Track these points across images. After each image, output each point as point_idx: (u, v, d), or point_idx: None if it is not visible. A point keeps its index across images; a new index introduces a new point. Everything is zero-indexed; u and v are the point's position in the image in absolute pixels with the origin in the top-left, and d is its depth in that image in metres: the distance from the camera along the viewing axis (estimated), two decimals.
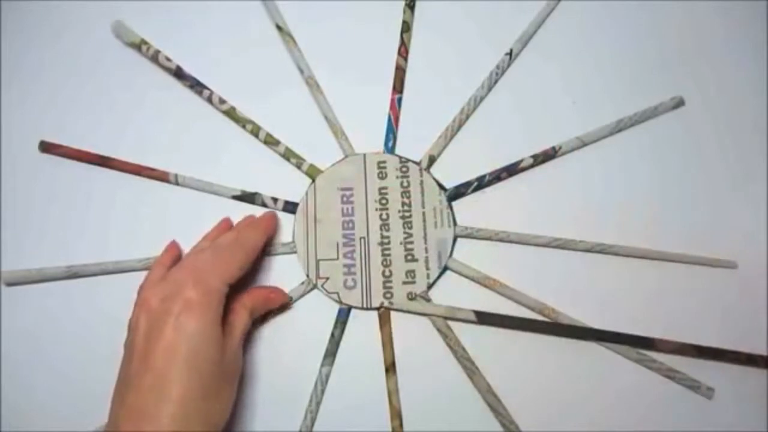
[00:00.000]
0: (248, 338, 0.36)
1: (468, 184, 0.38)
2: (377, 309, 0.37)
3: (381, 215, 0.38)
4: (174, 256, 0.36)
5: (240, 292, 0.34)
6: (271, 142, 0.39)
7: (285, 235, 0.38)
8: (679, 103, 0.40)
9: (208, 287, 0.31)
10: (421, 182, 0.38)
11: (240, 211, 0.38)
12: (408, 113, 0.40)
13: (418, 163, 0.39)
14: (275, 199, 0.38)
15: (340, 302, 0.37)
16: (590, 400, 0.35)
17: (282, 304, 0.36)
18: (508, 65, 0.41)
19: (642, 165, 0.39)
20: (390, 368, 0.35)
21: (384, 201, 0.38)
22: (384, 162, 0.39)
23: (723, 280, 0.37)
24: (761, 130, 0.40)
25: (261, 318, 0.36)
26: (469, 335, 0.36)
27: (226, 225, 0.38)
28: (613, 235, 0.37)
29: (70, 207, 0.39)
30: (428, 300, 0.37)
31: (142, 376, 0.29)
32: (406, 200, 0.38)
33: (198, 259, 0.33)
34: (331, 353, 0.36)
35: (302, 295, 0.37)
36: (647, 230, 0.38)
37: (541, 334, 0.36)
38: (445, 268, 0.37)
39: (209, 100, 0.40)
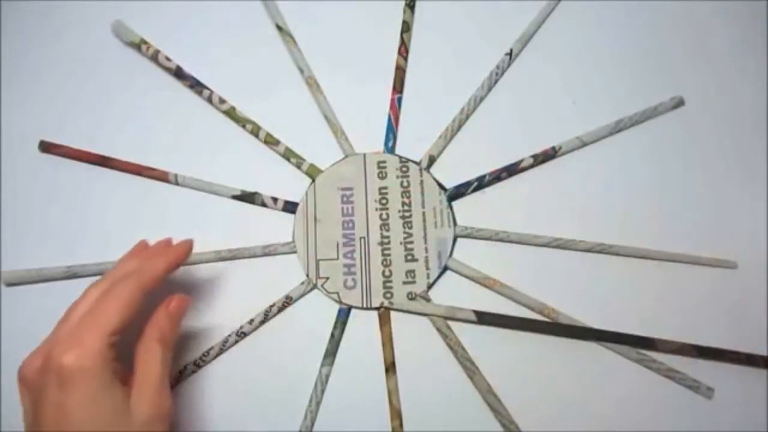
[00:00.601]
0: (248, 338, 0.36)
1: (468, 184, 0.38)
2: (377, 309, 0.37)
3: (381, 215, 0.38)
4: None
5: (144, 322, 0.30)
6: (271, 142, 0.39)
7: (285, 235, 0.38)
8: (679, 103, 0.40)
9: (85, 348, 0.26)
10: (421, 182, 0.38)
11: (240, 211, 0.38)
12: (408, 113, 0.40)
13: (418, 163, 0.39)
14: (275, 199, 0.38)
15: (340, 302, 0.37)
16: (590, 400, 0.35)
17: (186, 306, 0.32)
18: (508, 65, 0.41)
19: (642, 165, 0.39)
20: (390, 368, 0.35)
21: (384, 201, 0.38)
22: (384, 162, 0.39)
23: (723, 280, 0.37)
24: (761, 130, 0.40)
25: (262, 319, 0.36)
26: (469, 335, 0.36)
27: (140, 248, 0.34)
28: (614, 235, 0.37)
29: (70, 207, 0.39)
30: (428, 300, 0.37)
31: None
32: (406, 200, 0.38)
33: (82, 306, 0.28)
34: (331, 353, 0.36)
35: (302, 295, 0.37)
36: (647, 230, 0.38)
37: (541, 334, 0.36)
38: (445, 268, 0.37)
39: (209, 100, 0.40)
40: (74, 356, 0.26)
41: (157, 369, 0.28)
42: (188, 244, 0.33)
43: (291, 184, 0.39)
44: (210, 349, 0.36)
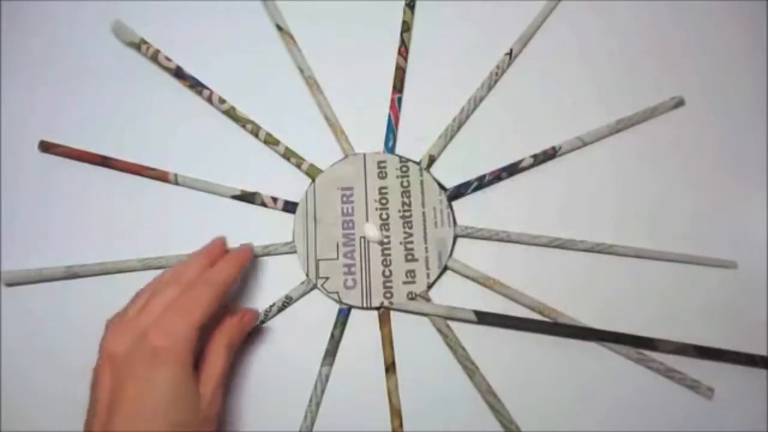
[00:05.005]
0: (248, 339, 0.36)
1: (468, 184, 0.38)
2: (377, 309, 0.37)
3: (381, 215, 0.38)
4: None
5: (213, 327, 0.32)
6: (271, 142, 0.39)
7: (285, 235, 0.38)
8: (679, 103, 0.40)
9: (175, 334, 0.29)
10: (422, 182, 0.38)
11: (240, 211, 0.38)
12: (408, 113, 0.40)
13: (418, 163, 0.39)
14: (275, 199, 0.38)
15: (340, 302, 0.37)
16: (590, 400, 0.35)
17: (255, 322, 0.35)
18: (508, 65, 0.41)
19: (642, 165, 0.39)
20: (390, 368, 0.35)
21: (384, 201, 0.38)
22: (384, 162, 0.39)
23: (723, 280, 0.37)
24: (761, 130, 0.40)
25: (262, 319, 0.36)
26: (469, 335, 0.36)
27: (202, 253, 0.35)
28: (613, 235, 0.37)
29: (70, 207, 0.39)
30: (428, 300, 0.37)
31: None
32: (406, 200, 0.38)
33: (162, 299, 0.30)
34: (331, 353, 0.36)
35: (302, 295, 0.37)
36: (647, 230, 0.38)
37: (541, 334, 0.36)
38: (445, 268, 0.37)
39: (209, 100, 0.40)
40: (167, 338, 0.28)
41: (220, 373, 0.31)
42: (250, 249, 0.36)
43: (291, 184, 0.39)
44: None
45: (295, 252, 0.38)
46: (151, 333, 0.29)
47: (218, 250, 0.35)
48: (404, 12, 0.41)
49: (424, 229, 0.38)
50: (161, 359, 0.28)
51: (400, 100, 0.40)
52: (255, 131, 0.39)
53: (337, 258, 0.37)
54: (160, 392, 0.28)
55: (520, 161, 0.39)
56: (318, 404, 0.35)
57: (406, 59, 0.41)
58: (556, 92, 0.40)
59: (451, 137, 0.39)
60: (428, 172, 0.39)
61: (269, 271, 0.37)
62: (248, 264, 0.35)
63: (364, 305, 0.36)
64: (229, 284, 0.33)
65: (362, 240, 0.37)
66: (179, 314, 0.30)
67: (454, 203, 0.38)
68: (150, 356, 0.28)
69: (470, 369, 0.35)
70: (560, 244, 0.37)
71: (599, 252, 0.37)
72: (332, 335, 0.36)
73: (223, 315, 0.33)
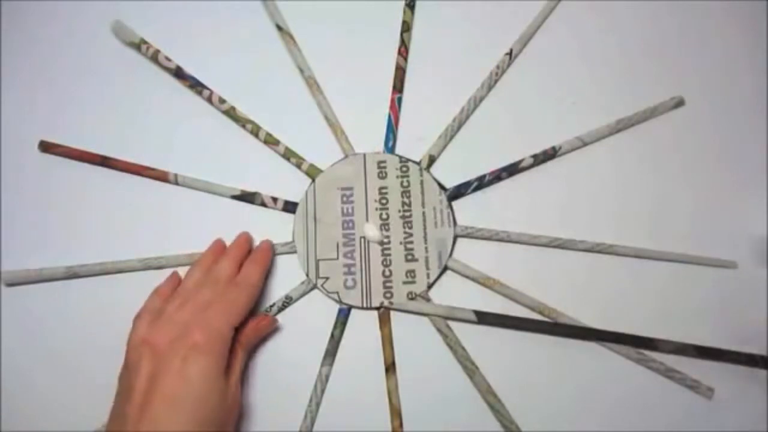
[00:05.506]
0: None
1: (468, 184, 0.38)
2: (377, 309, 0.37)
3: (381, 215, 0.38)
4: (175, 286, 0.35)
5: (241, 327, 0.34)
6: (271, 142, 0.39)
7: (285, 235, 0.38)
8: (679, 103, 0.40)
9: (214, 331, 0.31)
10: (422, 182, 0.38)
11: (240, 211, 0.38)
12: (408, 113, 0.40)
13: (418, 163, 0.39)
14: (275, 199, 0.38)
15: (340, 302, 0.37)
16: (590, 400, 0.35)
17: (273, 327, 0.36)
18: (508, 65, 0.41)
19: (642, 165, 0.39)
20: (390, 368, 0.35)
21: (384, 201, 0.38)
22: (384, 162, 0.39)
23: (723, 280, 0.37)
24: (761, 130, 0.40)
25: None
26: (469, 335, 0.36)
27: (218, 248, 0.37)
28: (613, 235, 0.37)
29: (70, 207, 0.39)
30: (428, 300, 0.37)
31: (138, 423, 0.29)
32: (406, 200, 0.38)
33: (201, 298, 0.33)
34: (331, 353, 0.36)
35: (302, 295, 0.37)
36: (647, 230, 0.38)
37: (541, 334, 0.36)
38: (445, 268, 0.37)
39: (209, 100, 0.40)
40: (206, 335, 0.31)
41: (239, 372, 0.33)
42: (270, 246, 0.37)
43: (291, 184, 0.39)
44: None
45: (295, 252, 0.38)
46: (193, 329, 0.31)
47: (245, 248, 0.37)
48: (404, 12, 0.41)
49: (424, 229, 0.38)
50: (199, 353, 0.30)
51: (400, 100, 0.40)
52: (255, 131, 0.39)
53: (337, 258, 0.37)
54: (195, 382, 0.30)
55: (520, 161, 0.39)
56: (318, 404, 0.35)
57: (406, 59, 0.41)
58: (556, 92, 0.40)
59: (451, 137, 0.39)
60: (428, 172, 0.39)
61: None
62: (271, 262, 0.37)
63: (364, 305, 0.36)
64: (260, 286, 0.35)
65: (362, 240, 0.37)
66: (218, 314, 0.32)
67: (454, 203, 0.38)
68: (190, 349, 0.30)
69: (470, 369, 0.35)
70: (560, 244, 0.37)
71: (599, 252, 0.37)
72: (332, 335, 0.36)
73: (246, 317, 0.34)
